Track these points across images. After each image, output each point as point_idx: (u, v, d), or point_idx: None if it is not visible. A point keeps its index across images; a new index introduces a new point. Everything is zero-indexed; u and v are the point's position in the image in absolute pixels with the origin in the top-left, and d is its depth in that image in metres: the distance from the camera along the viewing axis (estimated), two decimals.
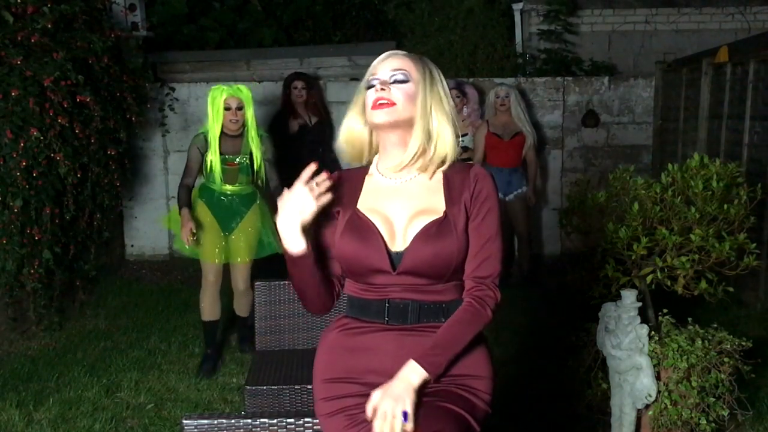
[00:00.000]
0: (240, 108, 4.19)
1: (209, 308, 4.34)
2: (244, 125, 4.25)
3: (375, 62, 1.97)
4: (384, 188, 1.98)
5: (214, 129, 4.19)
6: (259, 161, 4.31)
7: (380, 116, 1.90)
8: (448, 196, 1.93)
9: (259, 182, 4.40)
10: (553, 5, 7.85)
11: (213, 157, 4.21)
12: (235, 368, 4.29)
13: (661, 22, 8.15)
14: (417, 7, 7.85)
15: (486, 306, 1.89)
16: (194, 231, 4.10)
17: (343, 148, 2.02)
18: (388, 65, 1.93)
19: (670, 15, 8.15)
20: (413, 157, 1.93)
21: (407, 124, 1.92)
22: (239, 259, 4.35)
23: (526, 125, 5.90)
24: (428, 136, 1.92)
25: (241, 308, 4.53)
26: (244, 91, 4.23)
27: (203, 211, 4.32)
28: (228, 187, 4.31)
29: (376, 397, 1.81)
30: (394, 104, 1.89)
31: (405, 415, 1.76)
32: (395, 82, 1.91)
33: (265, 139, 4.39)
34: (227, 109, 4.18)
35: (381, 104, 1.89)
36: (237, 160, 4.28)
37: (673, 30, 8.14)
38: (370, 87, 1.93)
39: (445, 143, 1.93)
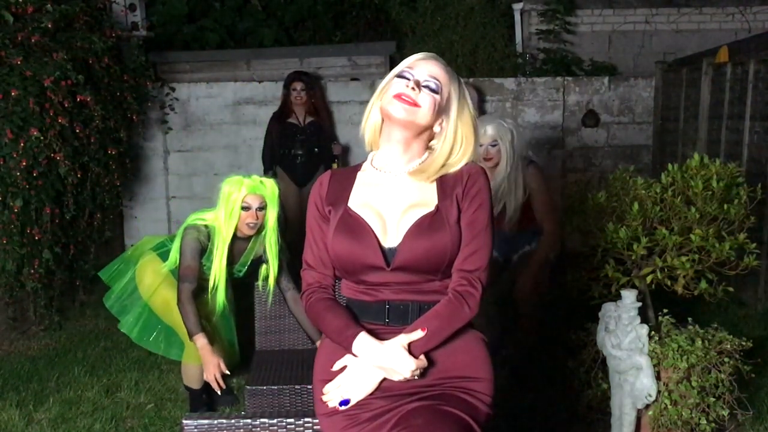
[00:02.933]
0: (262, 208, 3.30)
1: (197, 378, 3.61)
2: (261, 227, 3.36)
3: (414, 57, 1.95)
4: (377, 182, 1.98)
5: (225, 232, 3.28)
6: (275, 275, 3.40)
7: (399, 110, 1.89)
8: (440, 191, 1.94)
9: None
10: (551, 4, 7.85)
11: (218, 268, 3.31)
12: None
13: (661, 22, 8.15)
14: (420, 6, 7.85)
15: (465, 303, 1.89)
16: (224, 369, 3.17)
17: (364, 134, 2.02)
18: (427, 68, 1.92)
19: (670, 15, 8.14)
20: (435, 172, 1.94)
21: (418, 130, 1.93)
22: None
23: (518, 188, 3.88)
24: (450, 154, 1.95)
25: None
26: (269, 186, 3.31)
27: (164, 273, 3.57)
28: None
29: (348, 362, 1.90)
30: (418, 106, 1.89)
31: (345, 402, 1.87)
32: (427, 87, 1.90)
33: (284, 248, 3.47)
34: (246, 208, 3.28)
35: (405, 100, 1.88)
36: (235, 270, 3.49)
37: (673, 30, 8.14)
38: (400, 77, 1.92)
39: (462, 161, 1.96)
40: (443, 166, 1.95)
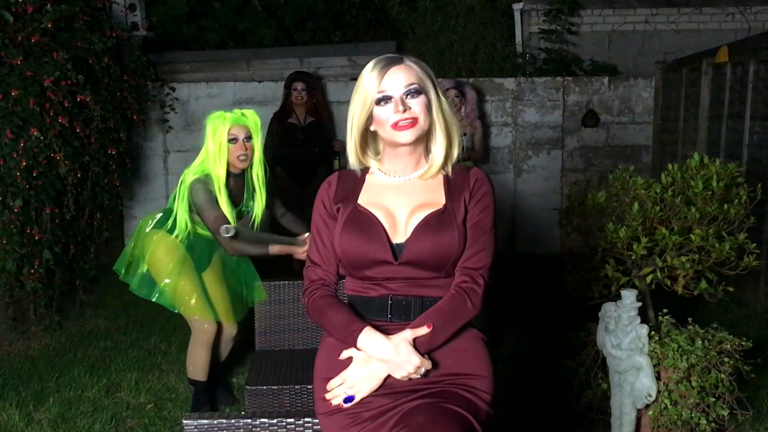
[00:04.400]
0: (248, 138, 3.36)
1: (203, 368, 3.62)
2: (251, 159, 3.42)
3: (376, 73, 1.92)
4: (386, 185, 2.01)
5: (218, 169, 3.32)
6: (262, 206, 3.48)
7: (407, 136, 1.91)
8: (448, 192, 1.97)
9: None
10: (555, 5, 7.85)
11: (225, 209, 3.34)
12: (236, 368, 4.29)
13: (661, 22, 8.15)
14: (420, 6, 7.86)
15: (468, 299, 1.91)
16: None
17: (354, 164, 2.03)
18: (398, 80, 1.91)
19: (670, 15, 8.15)
20: (441, 164, 1.97)
21: (423, 135, 1.96)
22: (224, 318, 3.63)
23: None
24: (449, 141, 1.97)
25: (224, 353, 3.83)
26: (251, 117, 3.39)
27: (176, 248, 3.49)
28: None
29: (353, 354, 1.90)
30: (417, 120, 1.91)
31: (350, 399, 1.88)
32: (410, 96, 1.91)
33: (270, 177, 3.57)
34: (233, 140, 3.33)
35: (404, 126, 1.89)
36: (242, 208, 3.49)
37: (673, 30, 8.14)
38: (380, 102, 1.91)
39: (457, 142, 1.99)
40: (447, 154, 1.97)
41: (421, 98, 1.92)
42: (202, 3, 8.46)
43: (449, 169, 2.00)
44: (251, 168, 3.43)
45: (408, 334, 1.87)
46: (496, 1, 7.84)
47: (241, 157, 3.35)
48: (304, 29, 8.85)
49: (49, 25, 4.69)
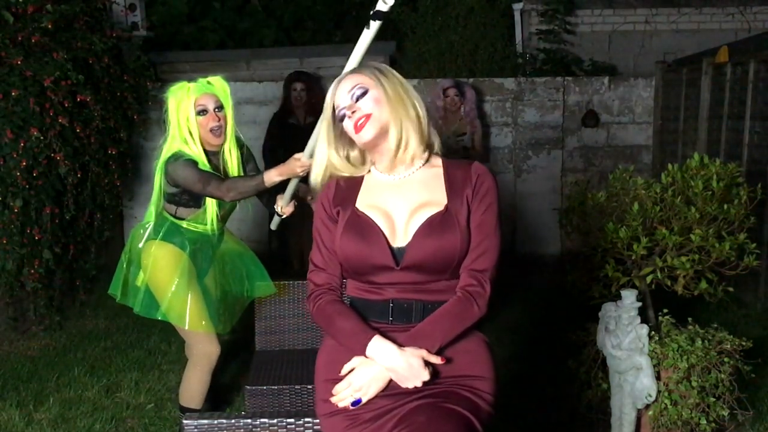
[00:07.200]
0: (219, 107, 2.94)
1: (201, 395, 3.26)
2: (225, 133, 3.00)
3: (329, 95, 2.01)
4: (383, 184, 1.99)
5: (192, 149, 2.91)
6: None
7: (367, 132, 1.92)
8: (449, 190, 1.95)
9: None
10: (551, 5, 7.86)
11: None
12: (236, 368, 4.29)
13: (661, 22, 8.16)
14: (420, 6, 7.86)
15: (475, 302, 1.89)
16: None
17: (318, 184, 2.02)
18: (344, 89, 1.97)
19: (670, 15, 8.15)
20: (396, 150, 1.94)
21: (387, 128, 1.95)
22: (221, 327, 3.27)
23: None
24: (404, 126, 1.93)
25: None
26: (218, 84, 2.97)
27: (179, 258, 3.07)
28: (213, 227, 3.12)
29: (356, 363, 1.88)
30: (370, 115, 1.92)
31: (357, 402, 1.86)
32: (357, 98, 1.94)
33: (248, 150, 3.22)
34: (202, 112, 2.91)
35: (360, 126, 1.92)
36: None
37: (673, 30, 8.15)
38: (341, 119, 1.96)
39: (425, 125, 1.97)
40: (409, 141, 1.94)
41: (370, 94, 1.93)
42: (202, 3, 8.47)
43: (423, 157, 1.97)
44: (226, 143, 3.03)
45: (424, 354, 1.86)
46: (496, 1, 7.84)
47: (215, 130, 2.94)
48: (304, 29, 8.86)
49: (49, 25, 4.69)
